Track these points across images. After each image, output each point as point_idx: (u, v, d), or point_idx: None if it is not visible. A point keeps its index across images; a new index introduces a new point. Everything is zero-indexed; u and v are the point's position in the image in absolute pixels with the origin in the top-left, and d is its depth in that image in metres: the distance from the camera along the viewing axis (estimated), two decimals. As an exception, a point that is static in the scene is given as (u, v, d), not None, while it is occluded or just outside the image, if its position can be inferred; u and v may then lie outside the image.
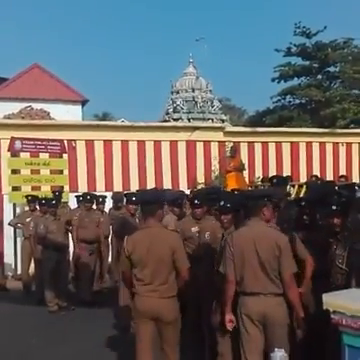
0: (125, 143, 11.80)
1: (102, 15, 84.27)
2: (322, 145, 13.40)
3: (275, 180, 6.27)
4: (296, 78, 23.40)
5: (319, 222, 4.83)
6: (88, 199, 8.57)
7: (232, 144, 12.09)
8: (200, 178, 12.04)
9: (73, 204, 9.36)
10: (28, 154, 10.41)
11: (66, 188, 10.32)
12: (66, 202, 9.61)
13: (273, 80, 23.61)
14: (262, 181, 11.51)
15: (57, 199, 8.30)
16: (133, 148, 11.85)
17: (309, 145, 13.27)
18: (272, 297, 3.82)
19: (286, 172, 12.35)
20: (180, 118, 18.08)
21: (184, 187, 11.52)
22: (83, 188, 10.89)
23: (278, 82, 23.57)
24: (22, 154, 10.32)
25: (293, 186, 8.57)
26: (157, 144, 12.03)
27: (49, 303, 7.65)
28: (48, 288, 7.72)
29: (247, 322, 3.88)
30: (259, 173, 12.61)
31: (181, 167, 12.17)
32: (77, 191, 10.28)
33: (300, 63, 23.13)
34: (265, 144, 12.96)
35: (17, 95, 20.14)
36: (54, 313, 7.56)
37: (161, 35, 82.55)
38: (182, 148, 12.21)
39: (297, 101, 23.97)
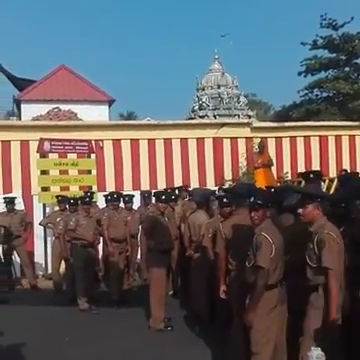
0: (152, 142, 11.80)
1: (125, 15, 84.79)
2: (351, 138, 13.12)
3: (311, 175, 6.11)
4: (323, 71, 23.04)
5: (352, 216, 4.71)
6: (115, 198, 8.61)
7: (260, 140, 11.96)
8: (227, 175, 11.95)
9: (101, 204, 9.44)
10: (57, 155, 10.53)
11: (94, 188, 10.39)
12: (95, 202, 9.67)
13: (299, 74, 23.31)
14: (298, 176, 11.35)
15: (90, 198, 8.36)
16: (160, 146, 11.85)
17: (338, 139, 13.01)
18: None
19: (315, 166, 12.16)
20: (206, 115, 18.01)
21: (211, 184, 11.47)
22: (111, 187, 10.96)
23: (305, 76, 23.26)
24: (51, 155, 10.45)
25: (323, 181, 8.42)
26: (184, 142, 11.99)
27: (80, 301, 7.72)
28: (80, 287, 7.78)
29: None
30: (287, 168, 12.46)
31: (208, 164, 12.10)
32: (105, 190, 10.35)
33: (327, 56, 22.79)
34: (293, 139, 12.76)
35: (45, 97, 20.39)
36: (85, 312, 7.61)
37: (185, 32, 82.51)
38: (209, 145, 12.14)
39: (324, 94, 23.60)
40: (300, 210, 4.22)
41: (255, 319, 4.20)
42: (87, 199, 8.19)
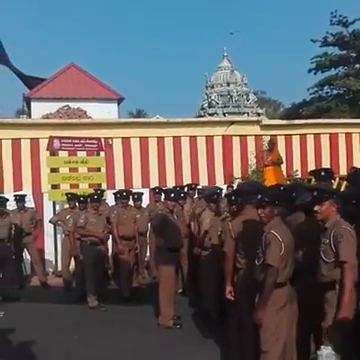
0: (161, 139, 11.81)
1: (134, 13, 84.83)
2: (362, 136, 13.02)
3: (323, 173, 6.04)
4: (333, 68, 22.92)
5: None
6: (124, 195, 8.62)
7: (269, 138, 11.91)
8: (237, 173, 11.93)
9: (111, 201, 9.46)
10: (66, 153, 10.59)
11: (103, 185, 10.42)
12: (104, 199, 9.69)
13: (309, 71, 23.23)
14: (309, 174, 11.27)
15: (99, 195, 8.38)
16: (169, 144, 11.85)
17: (349, 136, 12.92)
18: None
19: (325, 164, 12.09)
20: (215, 113, 17.99)
21: (221, 182, 11.45)
22: (120, 185, 10.99)
23: (315, 73, 23.16)
24: (60, 153, 10.50)
25: (334, 179, 8.35)
26: (193, 140, 11.99)
27: (90, 299, 7.73)
28: (89, 284, 7.80)
29: None
30: (297, 166, 12.39)
31: (217, 162, 12.08)
32: (114, 188, 10.39)
33: (337, 53, 22.63)
34: (303, 136, 12.69)
35: (55, 95, 20.50)
36: (95, 309, 7.62)
37: (195, 30, 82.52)
38: (218, 143, 12.12)
39: (335, 91, 23.51)
40: (317, 207, 4.16)
41: (265, 317, 4.18)
42: (96, 197, 8.21)
